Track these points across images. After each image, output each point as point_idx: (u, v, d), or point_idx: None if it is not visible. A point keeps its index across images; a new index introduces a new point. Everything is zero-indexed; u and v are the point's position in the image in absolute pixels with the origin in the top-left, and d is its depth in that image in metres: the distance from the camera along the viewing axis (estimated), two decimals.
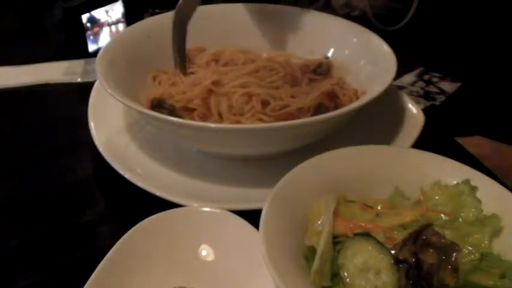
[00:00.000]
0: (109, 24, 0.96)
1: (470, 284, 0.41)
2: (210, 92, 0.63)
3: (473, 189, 0.47)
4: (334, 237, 0.44)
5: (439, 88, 1.05)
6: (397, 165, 0.52)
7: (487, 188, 0.48)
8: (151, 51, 0.72)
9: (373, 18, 1.04)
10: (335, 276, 0.42)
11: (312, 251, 0.43)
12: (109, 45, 0.67)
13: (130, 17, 0.97)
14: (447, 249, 0.40)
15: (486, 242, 0.44)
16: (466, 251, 0.43)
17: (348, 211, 0.46)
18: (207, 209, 0.51)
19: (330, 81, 0.68)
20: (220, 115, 0.62)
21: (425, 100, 1.02)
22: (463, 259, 0.42)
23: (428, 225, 0.42)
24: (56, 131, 0.73)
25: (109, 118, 0.67)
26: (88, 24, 0.92)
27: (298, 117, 0.61)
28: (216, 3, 0.84)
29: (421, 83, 1.07)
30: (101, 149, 0.61)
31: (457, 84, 1.06)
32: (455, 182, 0.48)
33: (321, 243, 0.42)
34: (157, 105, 0.62)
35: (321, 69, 0.72)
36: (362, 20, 0.86)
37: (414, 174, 0.51)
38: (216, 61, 0.70)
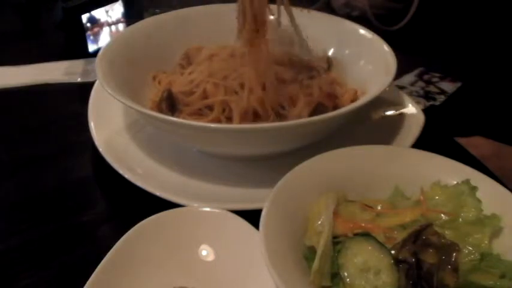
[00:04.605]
0: (109, 24, 0.96)
1: (470, 284, 0.41)
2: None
3: (473, 189, 0.47)
4: (334, 237, 0.44)
5: (439, 88, 1.05)
6: (397, 165, 0.52)
7: (487, 188, 0.48)
8: (151, 51, 0.72)
9: (373, 18, 1.04)
10: (335, 276, 0.42)
11: (312, 251, 0.43)
12: (109, 45, 0.67)
13: (130, 17, 0.97)
14: (447, 249, 0.40)
15: (486, 242, 0.44)
16: (466, 251, 0.43)
17: (348, 211, 0.46)
18: (207, 209, 0.51)
19: (330, 79, 0.68)
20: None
21: (425, 100, 1.02)
22: (463, 259, 0.42)
23: (428, 225, 0.42)
24: (56, 131, 0.73)
25: (109, 118, 0.67)
26: (88, 24, 0.92)
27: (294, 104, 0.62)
28: (216, 3, 0.84)
29: (421, 83, 1.07)
30: (101, 149, 0.61)
31: (457, 84, 1.06)
32: (455, 182, 0.48)
33: (321, 243, 0.42)
34: (168, 97, 0.63)
35: (322, 69, 0.72)
36: (362, 20, 0.86)
37: (414, 174, 0.51)
38: (212, 57, 0.70)
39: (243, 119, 0.61)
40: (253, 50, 0.63)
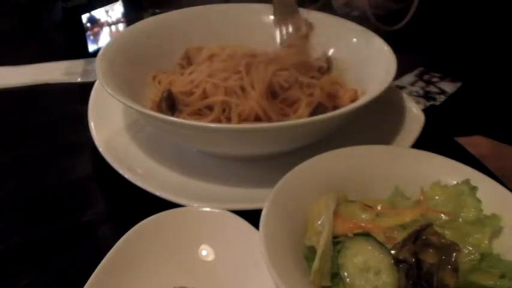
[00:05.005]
0: (109, 24, 0.96)
1: (470, 284, 0.41)
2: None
3: (473, 189, 0.47)
4: (334, 237, 0.44)
5: (439, 88, 1.05)
6: (397, 165, 0.52)
7: (487, 188, 0.48)
8: (151, 51, 0.72)
9: (373, 18, 1.04)
10: (335, 276, 0.42)
11: (312, 251, 0.43)
12: (109, 45, 0.67)
13: (130, 17, 0.97)
14: (447, 249, 0.40)
15: (486, 242, 0.44)
16: (466, 251, 0.43)
17: (348, 211, 0.46)
18: (207, 209, 0.51)
19: (330, 80, 0.68)
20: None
21: (425, 100, 1.02)
22: (463, 259, 0.42)
23: (428, 225, 0.42)
24: (56, 131, 0.73)
25: (109, 118, 0.67)
26: (88, 24, 0.92)
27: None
28: (217, 3, 0.84)
29: (421, 83, 1.07)
30: (101, 149, 0.61)
31: (457, 84, 1.06)
32: (455, 182, 0.48)
33: (321, 243, 0.42)
34: (168, 97, 0.63)
35: (322, 69, 0.72)
36: (362, 20, 0.86)
37: (414, 174, 0.51)
38: (212, 57, 0.70)
39: (243, 120, 0.61)
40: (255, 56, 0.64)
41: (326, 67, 0.73)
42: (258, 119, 0.62)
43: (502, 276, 0.42)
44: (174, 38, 0.74)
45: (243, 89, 0.62)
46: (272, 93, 0.63)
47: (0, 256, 0.52)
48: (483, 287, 0.41)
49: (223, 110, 0.62)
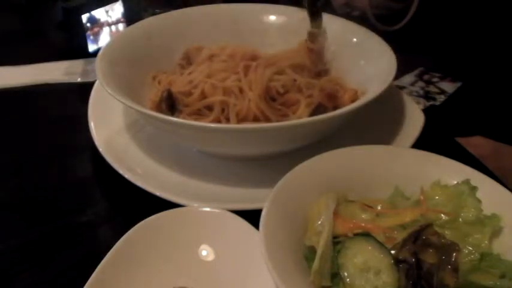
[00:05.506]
0: (109, 24, 0.96)
1: (470, 284, 0.41)
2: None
3: (473, 189, 0.47)
4: (334, 237, 0.44)
5: (439, 88, 1.05)
6: (397, 165, 0.52)
7: (487, 188, 0.48)
8: (151, 51, 0.72)
9: (373, 18, 1.04)
10: (335, 276, 0.42)
11: (312, 251, 0.43)
12: (109, 45, 0.67)
13: (130, 17, 0.97)
14: (447, 249, 0.40)
15: (486, 242, 0.44)
16: (466, 251, 0.43)
17: (348, 211, 0.46)
18: (207, 209, 0.51)
19: (330, 80, 0.68)
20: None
21: (425, 100, 1.02)
22: (463, 259, 0.42)
23: (428, 225, 0.42)
24: (56, 131, 0.73)
25: (109, 118, 0.67)
26: (88, 24, 0.92)
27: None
28: (216, 3, 0.84)
29: (421, 83, 1.07)
30: (101, 149, 0.61)
31: (457, 84, 1.06)
32: (455, 182, 0.48)
33: (321, 243, 0.42)
34: (167, 97, 0.63)
35: (322, 70, 0.72)
36: (362, 20, 0.86)
37: (414, 174, 0.51)
38: (212, 57, 0.70)
39: (242, 120, 0.61)
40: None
41: (326, 67, 0.73)
42: (256, 119, 0.62)
43: (502, 276, 0.42)
44: (174, 38, 0.74)
45: (241, 90, 0.62)
46: (270, 97, 0.64)
47: (0, 256, 0.52)
48: (483, 287, 0.41)
49: (223, 110, 0.62)
